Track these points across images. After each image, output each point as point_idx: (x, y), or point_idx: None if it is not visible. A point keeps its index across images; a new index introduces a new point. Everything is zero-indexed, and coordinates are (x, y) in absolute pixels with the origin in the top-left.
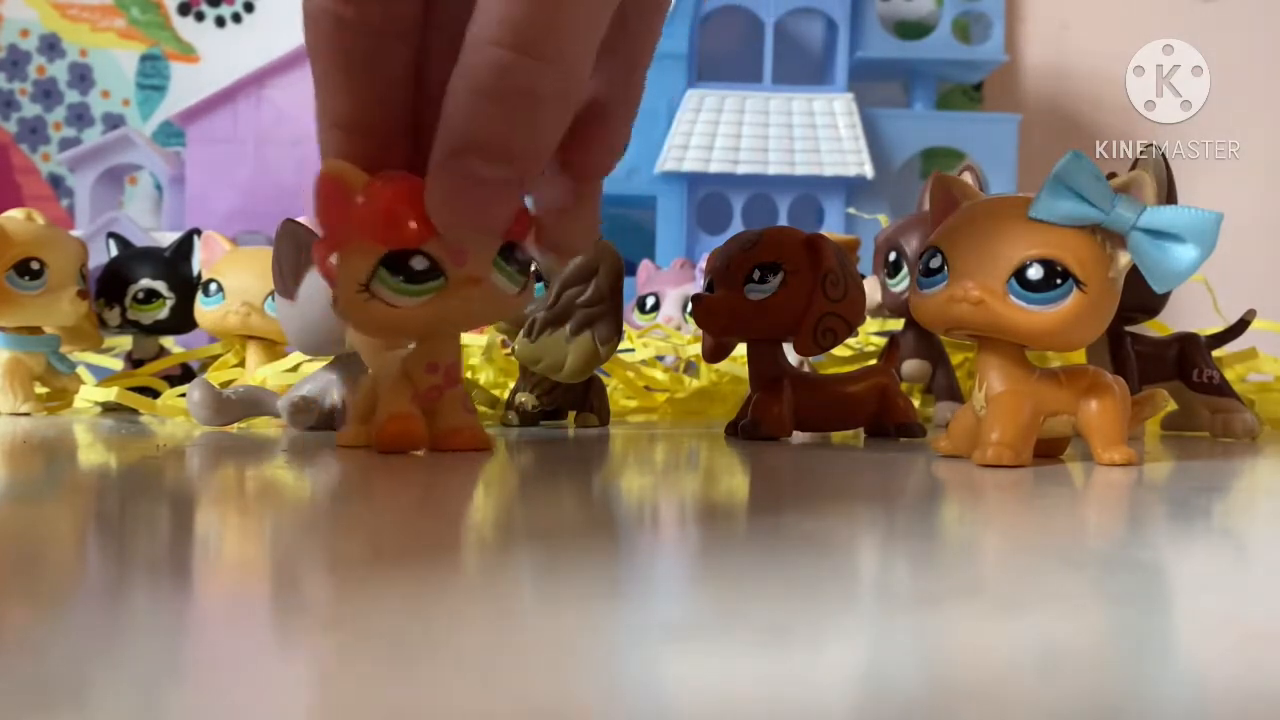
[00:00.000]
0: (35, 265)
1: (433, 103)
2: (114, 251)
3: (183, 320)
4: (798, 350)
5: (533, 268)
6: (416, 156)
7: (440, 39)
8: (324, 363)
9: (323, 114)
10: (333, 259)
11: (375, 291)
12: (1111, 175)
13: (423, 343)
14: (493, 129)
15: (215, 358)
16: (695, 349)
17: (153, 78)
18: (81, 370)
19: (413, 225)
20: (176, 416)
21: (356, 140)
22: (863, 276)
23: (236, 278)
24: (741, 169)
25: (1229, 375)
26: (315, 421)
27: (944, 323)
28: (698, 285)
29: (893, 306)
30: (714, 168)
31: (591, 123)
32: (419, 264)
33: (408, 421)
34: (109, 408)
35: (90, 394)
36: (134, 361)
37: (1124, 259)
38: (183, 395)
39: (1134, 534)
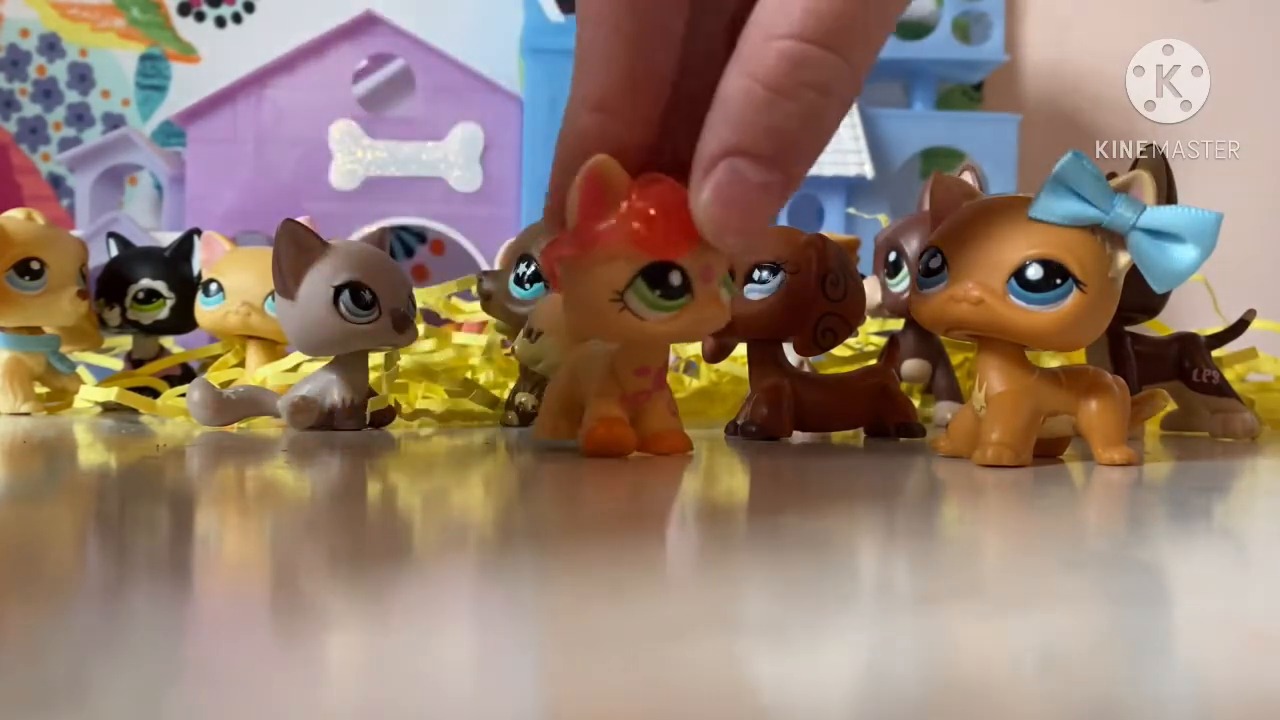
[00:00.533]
0: (35, 265)
1: (687, 85)
2: (114, 251)
3: (183, 320)
4: (798, 350)
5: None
6: (664, 141)
7: (702, 28)
8: (324, 363)
9: (578, 93)
10: (571, 261)
11: (628, 301)
12: (1111, 175)
13: (632, 347)
14: (778, 126)
15: (215, 358)
16: (695, 349)
17: (153, 78)
18: (81, 370)
19: (678, 237)
20: (176, 416)
21: (611, 123)
22: (863, 276)
23: (237, 278)
24: None
25: (1229, 375)
26: (315, 421)
27: (944, 323)
28: None
29: (893, 306)
30: None
31: None
32: (675, 279)
33: (616, 426)
34: (109, 408)
35: (91, 394)
36: (134, 361)
37: (1124, 259)
38: (183, 395)
39: (1134, 534)
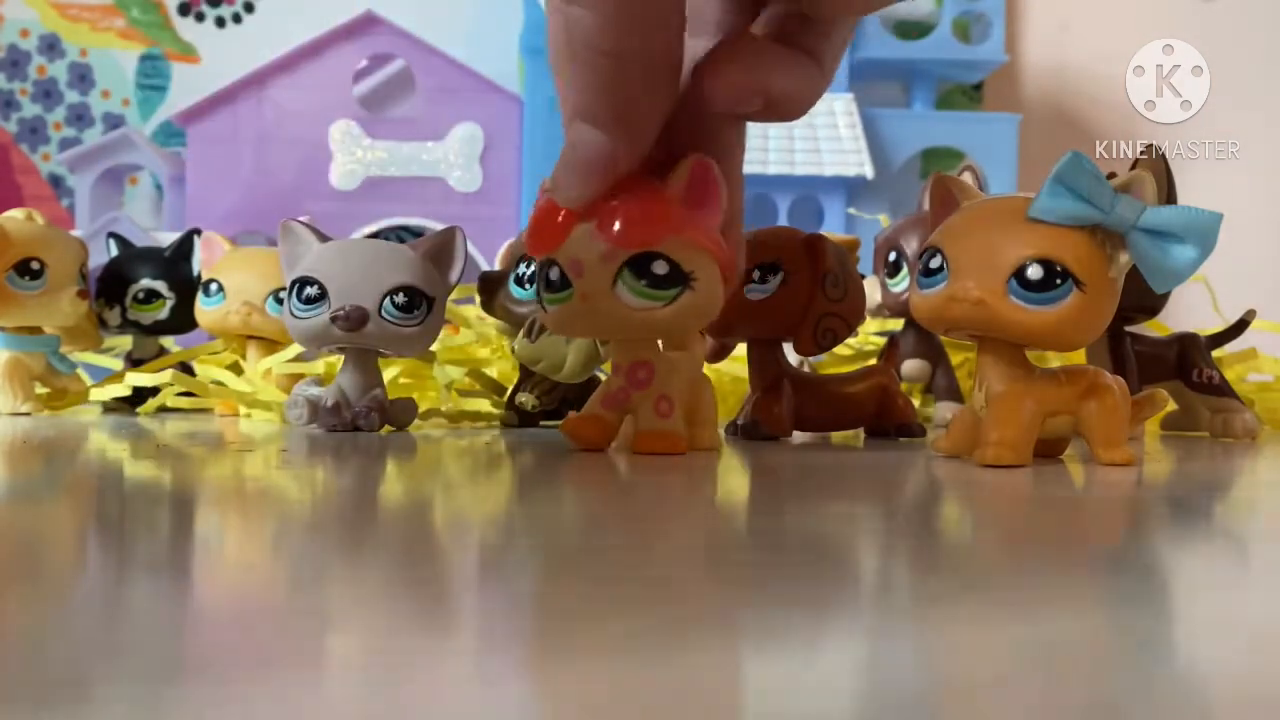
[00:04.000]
0: (35, 265)
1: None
2: (114, 251)
3: (183, 320)
4: (798, 350)
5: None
6: (659, 150)
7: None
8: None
9: (565, 107)
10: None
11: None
12: (1111, 175)
13: (614, 345)
14: (575, 85)
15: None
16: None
17: (153, 78)
18: (80, 371)
19: (549, 234)
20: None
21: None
22: (863, 276)
23: (237, 278)
24: None
25: (1229, 375)
26: (317, 420)
27: (944, 323)
28: None
29: (893, 306)
30: None
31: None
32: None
33: (586, 422)
34: (109, 408)
35: (104, 392)
36: (134, 361)
37: (1124, 259)
38: (181, 395)
39: (1134, 534)
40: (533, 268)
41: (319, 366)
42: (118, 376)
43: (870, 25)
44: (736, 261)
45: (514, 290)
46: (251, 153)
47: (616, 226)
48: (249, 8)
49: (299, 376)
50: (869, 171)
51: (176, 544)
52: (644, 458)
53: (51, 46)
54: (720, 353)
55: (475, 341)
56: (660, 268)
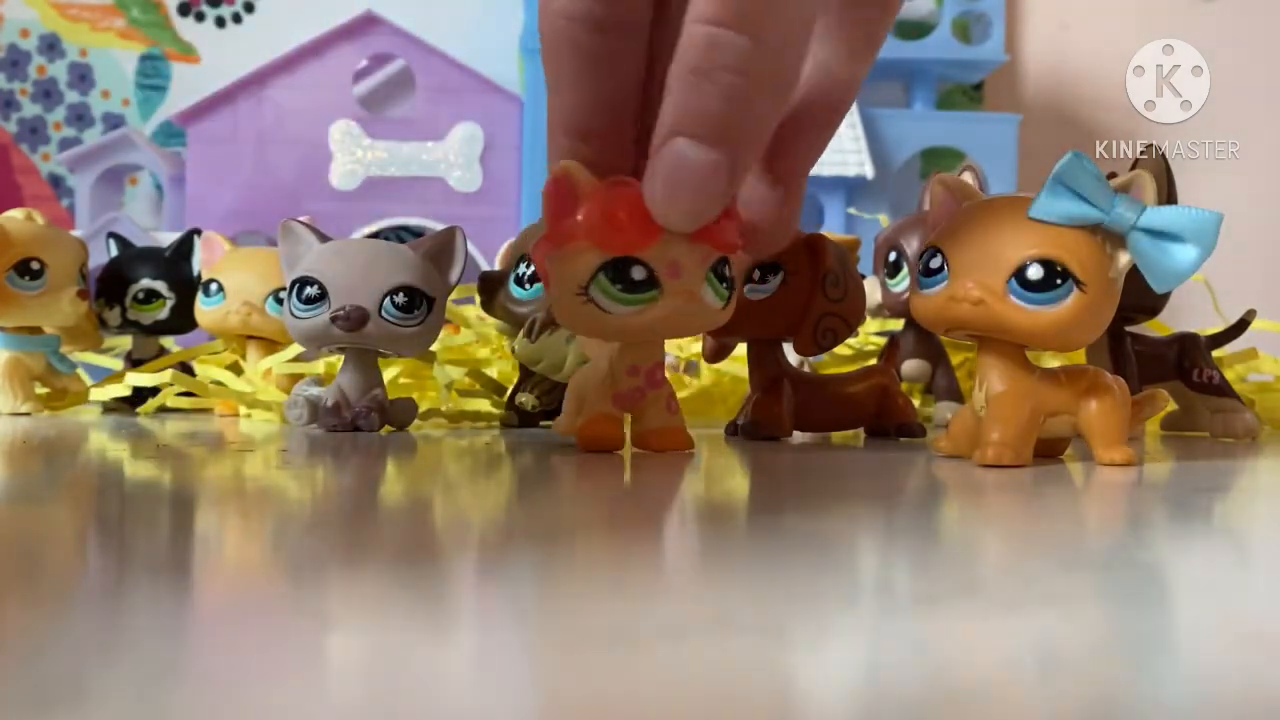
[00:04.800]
0: (35, 265)
1: (659, 107)
2: (114, 251)
3: (183, 320)
4: (798, 350)
5: (736, 283)
6: (643, 164)
7: (668, 41)
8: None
9: (554, 120)
10: (550, 258)
11: (592, 296)
12: (1111, 175)
13: (625, 346)
14: (706, 109)
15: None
16: (696, 349)
17: (153, 78)
18: (80, 371)
19: (633, 232)
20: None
21: (586, 147)
22: (863, 276)
23: (237, 278)
24: None
25: (1229, 375)
26: (317, 420)
27: (944, 323)
28: None
29: (893, 306)
30: None
31: (799, 119)
32: (638, 273)
33: (605, 423)
34: (109, 408)
35: (104, 392)
36: (134, 361)
37: (1124, 259)
38: (181, 395)
39: (1134, 534)
40: (533, 268)
41: (319, 366)
42: (118, 376)
43: None
44: None
45: (514, 290)
46: (251, 153)
47: (722, 230)
48: (249, 8)
49: (299, 376)
50: (869, 171)
51: (176, 544)
52: (642, 457)
53: (51, 46)
54: (720, 353)
55: (475, 341)
56: (728, 270)
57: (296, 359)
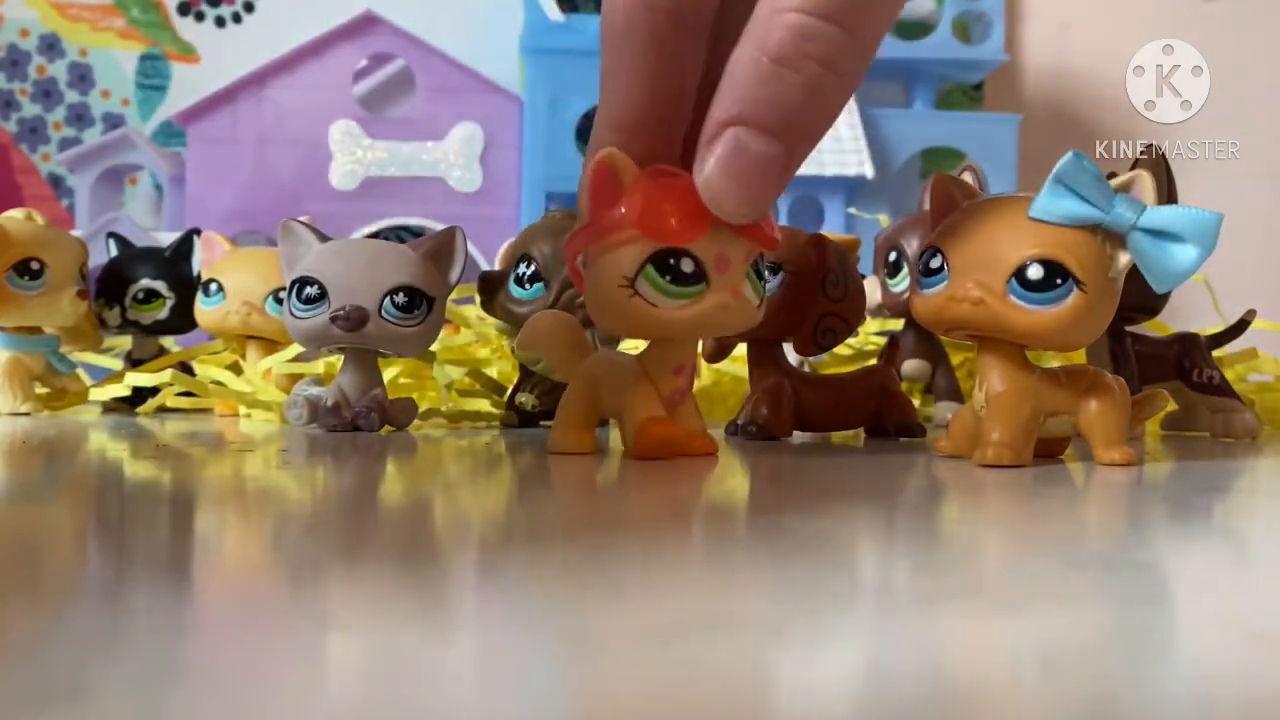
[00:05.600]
0: (35, 265)
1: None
2: (114, 251)
3: (183, 320)
4: (798, 350)
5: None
6: (687, 160)
7: (727, 40)
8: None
9: (604, 114)
10: (588, 253)
11: (639, 289)
12: (1111, 175)
13: (667, 346)
14: (781, 98)
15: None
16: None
17: (153, 78)
18: (80, 371)
19: (684, 223)
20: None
21: (633, 142)
22: (863, 276)
23: (237, 278)
24: None
25: (1229, 375)
26: (317, 420)
27: (944, 323)
28: None
29: (893, 306)
30: None
31: None
32: (687, 266)
33: (665, 425)
34: (109, 408)
35: (104, 392)
36: (134, 361)
37: (1124, 259)
38: (181, 395)
39: (1134, 534)
40: (533, 267)
41: (319, 366)
42: (118, 376)
43: None
44: None
45: (514, 290)
46: (251, 153)
47: (763, 227)
48: (249, 8)
49: (299, 376)
50: (869, 171)
51: (176, 544)
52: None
53: (51, 46)
54: (720, 352)
55: (475, 341)
56: (763, 267)
57: (296, 359)
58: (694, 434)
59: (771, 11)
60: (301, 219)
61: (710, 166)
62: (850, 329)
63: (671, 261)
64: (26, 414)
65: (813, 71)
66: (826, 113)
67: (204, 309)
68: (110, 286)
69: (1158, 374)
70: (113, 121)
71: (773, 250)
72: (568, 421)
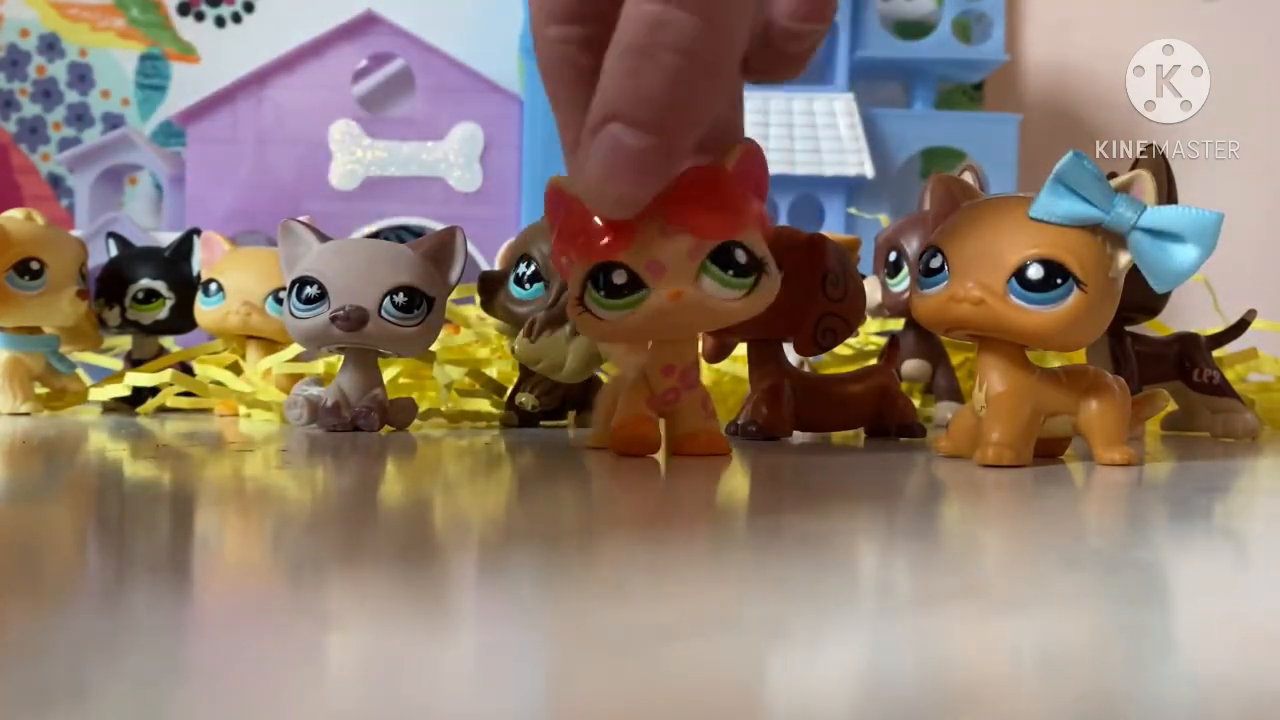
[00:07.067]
0: (35, 265)
1: None
2: (114, 251)
3: (183, 320)
4: (798, 350)
5: (767, 267)
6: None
7: None
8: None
9: (561, 135)
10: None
11: (587, 306)
12: (1111, 175)
13: (658, 345)
14: (643, 90)
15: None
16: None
17: (153, 78)
18: (80, 371)
19: (602, 237)
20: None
21: None
22: (863, 276)
23: (237, 278)
24: None
25: (1229, 375)
26: (317, 420)
27: (944, 323)
28: None
29: (893, 306)
30: None
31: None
32: (618, 278)
33: (641, 424)
34: (109, 408)
35: (104, 392)
36: (134, 361)
37: (1124, 259)
38: (181, 395)
39: (1134, 534)
40: (533, 267)
41: (319, 366)
42: (117, 376)
43: (870, 25)
44: None
45: (514, 290)
46: (251, 153)
47: (707, 217)
48: (249, 8)
49: (299, 376)
50: (869, 171)
51: (176, 544)
52: (644, 458)
53: (51, 46)
54: (720, 352)
55: (475, 341)
56: (741, 256)
57: (296, 359)
58: (696, 433)
59: (631, 6)
60: (301, 219)
61: (589, 167)
62: (850, 329)
63: (602, 276)
64: (26, 414)
65: (668, 60)
66: (694, 99)
67: (204, 309)
68: (110, 286)
69: (1158, 374)
70: (113, 121)
71: (717, 238)
72: (598, 420)
